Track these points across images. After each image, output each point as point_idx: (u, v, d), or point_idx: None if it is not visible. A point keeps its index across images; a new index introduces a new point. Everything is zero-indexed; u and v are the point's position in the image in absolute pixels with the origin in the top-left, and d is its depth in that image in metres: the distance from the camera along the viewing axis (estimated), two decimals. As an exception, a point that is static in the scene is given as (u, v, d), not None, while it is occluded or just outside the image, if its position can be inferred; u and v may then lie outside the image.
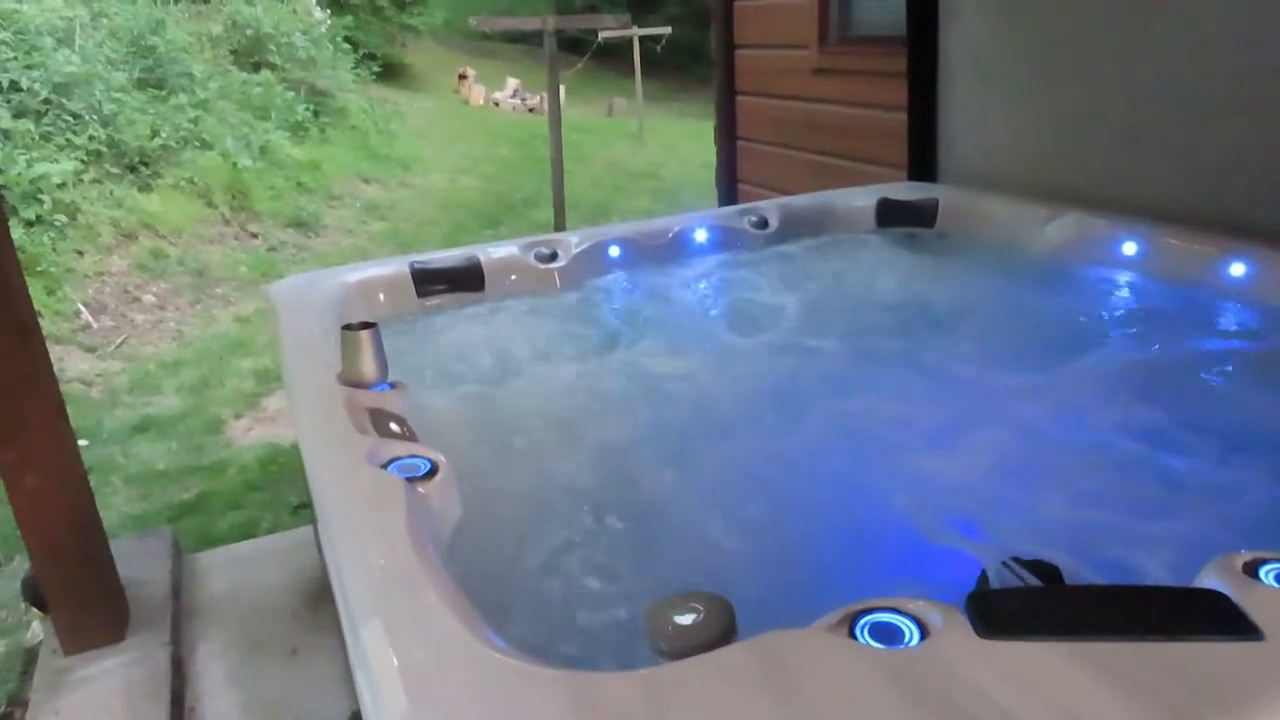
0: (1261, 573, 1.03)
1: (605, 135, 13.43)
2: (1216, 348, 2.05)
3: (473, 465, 1.70)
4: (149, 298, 5.48)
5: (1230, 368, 1.94)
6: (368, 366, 1.70)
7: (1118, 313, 2.35)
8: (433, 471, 1.42)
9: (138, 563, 2.58)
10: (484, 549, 1.42)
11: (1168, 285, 2.33)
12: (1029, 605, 0.98)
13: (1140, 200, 2.54)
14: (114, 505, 3.30)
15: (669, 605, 1.02)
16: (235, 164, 7.02)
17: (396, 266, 2.53)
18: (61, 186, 5.47)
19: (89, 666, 2.17)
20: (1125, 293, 2.40)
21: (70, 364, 4.59)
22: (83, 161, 5.82)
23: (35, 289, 4.45)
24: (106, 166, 6.06)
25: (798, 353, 2.12)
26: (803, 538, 1.39)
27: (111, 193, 5.93)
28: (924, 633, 0.96)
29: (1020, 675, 0.87)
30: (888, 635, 0.97)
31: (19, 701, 2.14)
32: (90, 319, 5.04)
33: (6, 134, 5.46)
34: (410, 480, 1.38)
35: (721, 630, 0.95)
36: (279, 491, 3.33)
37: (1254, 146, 2.26)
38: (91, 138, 5.95)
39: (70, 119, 5.92)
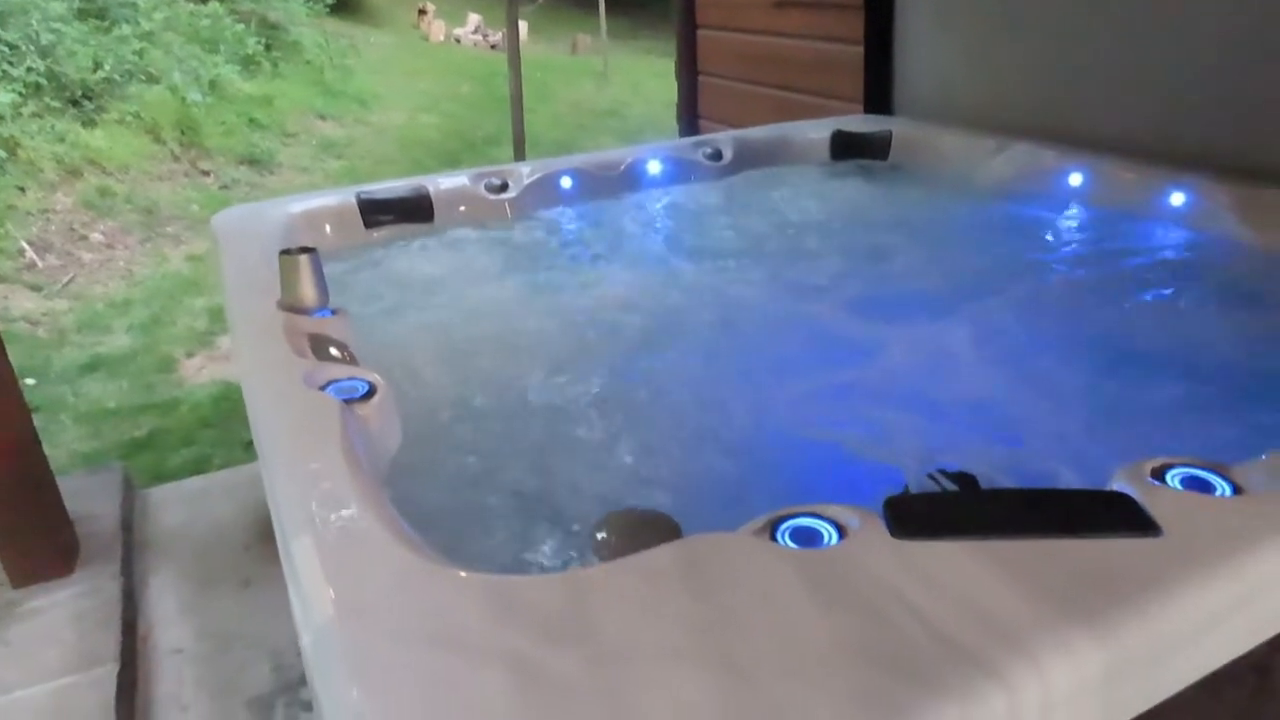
0: (1168, 476, 1.07)
1: (569, 73, 13.17)
2: (1144, 271, 2.09)
3: (419, 388, 1.71)
4: (97, 236, 5.35)
5: (1156, 289, 1.99)
6: (307, 291, 1.68)
7: (1056, 240, 2.38)
8: (370, 393, 1.42)
9: (88, 498, 2.57)
10: (428, 467, 1.43)
11: (1109, 213, 2.36)
12: (942, 508, 1.02)
13: (1090, 133, 2.56)
14: (64, 443, 3.27)
15: (617, 519, 1.04)
16: (184, 99, 6.81)
17: (343, 197, 2.49)
18: (-1, 119, 5.29)
19: (38, 598, 2.17)
20: (1068, 222, 2.43)
21: (15, 303, 4.49)
22: (20, 94, 5.61)
23: (-26, 225, 4.33)
24: (47, 100, 5.85)
25: (738, 277, 2.14)
26: (732, 450, 1.42)
27: (53, 127, 5.74)
28: (842, 535, 0.99)
29: (928, 572, 0.90)
30: (808, 538, 1.00)
31: (-34, 633, 2.14)
32: (35, 257, 4.91)
33: (-62, 64, 5.26)
34: (348, 402, 1.38)
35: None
36: (231, 428, 3.31)
37: (1203, 82, 2.28)
38: (30, 69, 5.73)
39: (6, 49, 5.69)
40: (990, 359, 1.67)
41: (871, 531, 0.97)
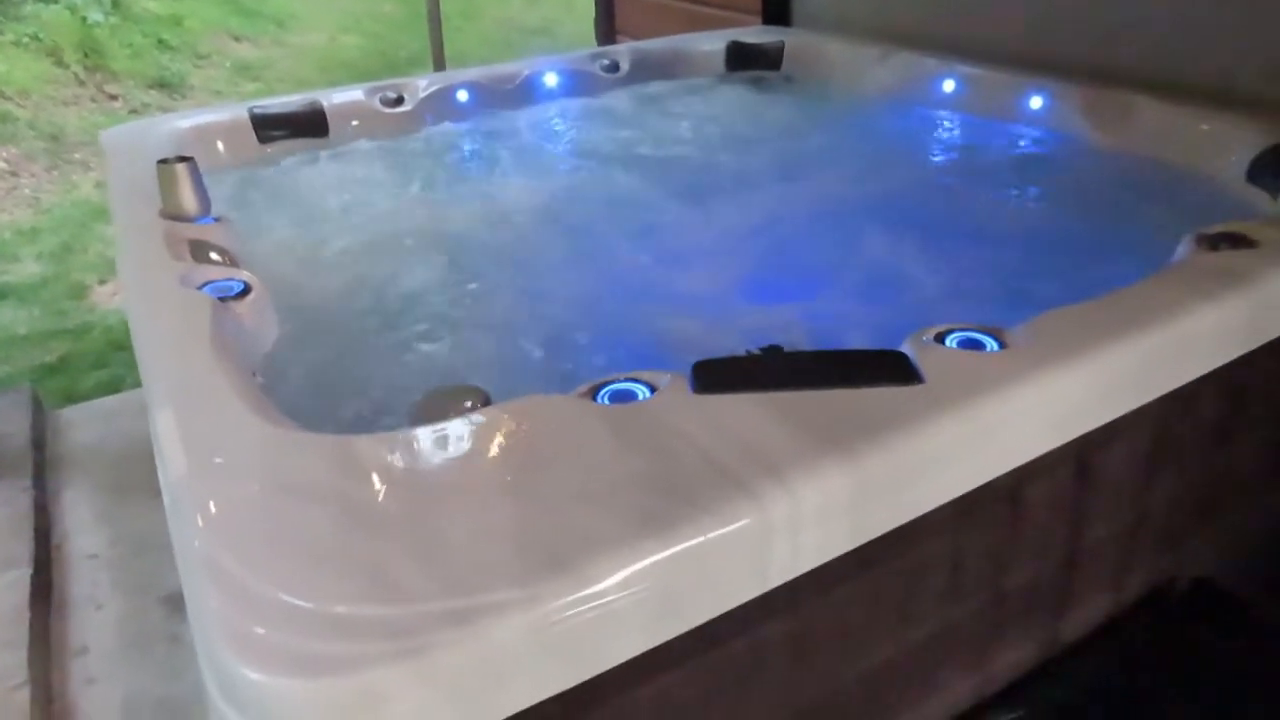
0: (947, 339, 1.21)
1: (498, -10, 12.79)
2: (993, 166, 2.25)
3: (303, 288, 1.79)
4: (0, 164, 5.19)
5: (995, 181, 2.15)
6: (186, 199, 1.73)
7: (923, 141, 2.52)
8: (245, 291, 1.50)
9: (-4, 418, 2.61)
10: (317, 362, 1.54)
11: (976, 117, 2.50)
12: (739, 368, 1.15)
13: (969, 41, 2.67)
14: (-26, 370, 3.27)
15: (431, 393, 1.15)
16: (84, 18, 6.52)
17: (235, 112, 2.50)
18: (-117, 42, 5.04)
19: (-53, 512, 2.23)
20: (938, 124, 2.56)
21: (-85, 233, 4.38)
22: (-96, 14, 5.34)
23: None
24: (-65, 20, 5.58)
25: (616, 180, 2.25)
26: (589, 328, 1.56)
27: (-57, 49, 5.49)
28: (654, 394, 1.12)
29: (716, 419, 1.03)
30: (624, 398, 1.13)
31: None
32: (-66, 186, 4.77)
33: None
34: (223, 300, 1.46)
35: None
36: (145, 350, 3.33)
37: None
38: (-87, -13, 5.45)
39: (-116, -33, 5.39)
40: (830, 241, 1.82)
41: (677, 389, 1.10)
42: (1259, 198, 1.83)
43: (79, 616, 2.05)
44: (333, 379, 1.46)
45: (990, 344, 1.20)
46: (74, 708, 1.84)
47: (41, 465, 2.50)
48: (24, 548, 2.11)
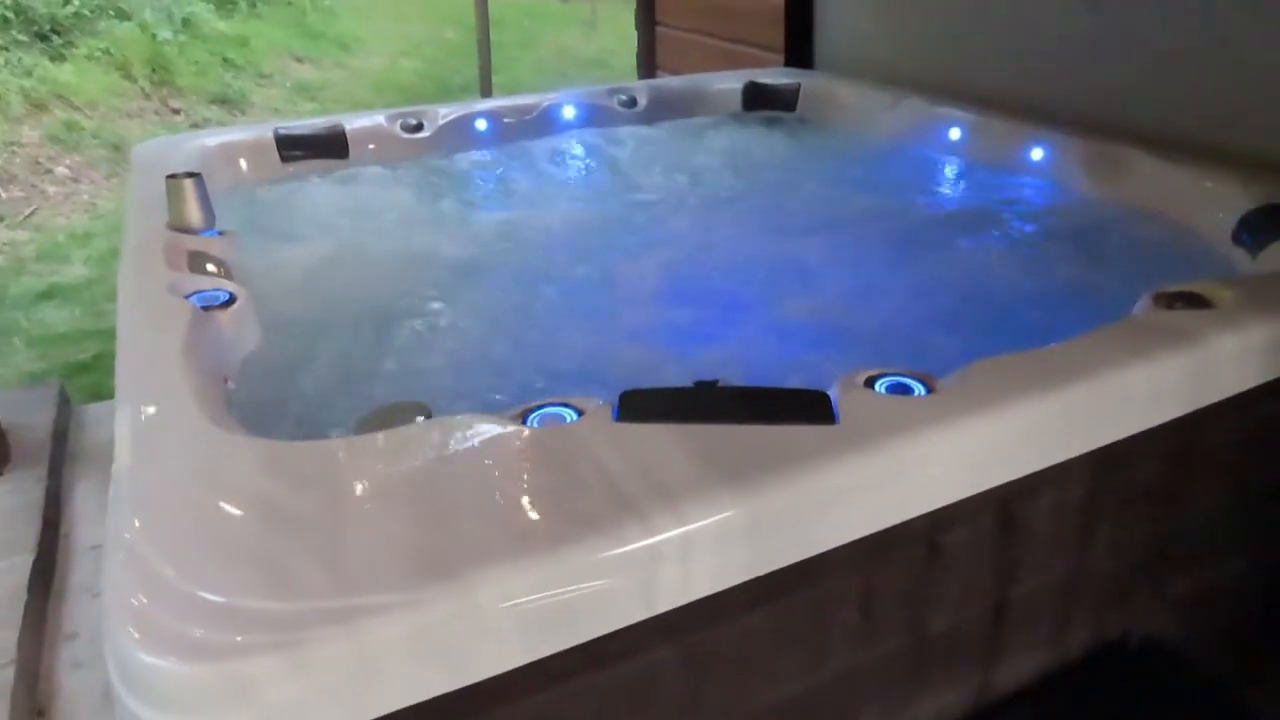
0: (877, 384, 1.24)
1: (558, 21, 13.07)
2: (989, 213, 2.27)
3: (305, 304, 1.89)
4: (62, 170, 5.46)
5: (989, 229, 2.17)
6: (191, 212, 1.84)
7: (926, 186, 2.54)
8: (230, 301, 1.59)
9: (23, 410, 2.74)
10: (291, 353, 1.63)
11: (980, 164, 2.52)
12: (663, 399, 1.19)
13: (975, 89, 2.69)
14: (14, 364, 3.44)
15: (379, 408, 1.21)
16: (154, 35, 6.86)
17: (259, 132, 2.63)
18: (-35, 53, 5.37)
19: (-36, 497, 2.36)
20: (943, 170, 2.58)
21: (-24, 232, 4.63)
22: (-12, 28, 5.69)
23: (-64, 155, 4.44)
24: (15, 34, 5.92)
25: (625, 212, 2.33)
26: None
27: (20, 61, 5.81)
28: (579, 418, 1.17)
29: (630, 447, 1.07)
30: (553, 421, 1.18)
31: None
32: (-1, 188, 5.04)
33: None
34: (206, 308, 1.55)
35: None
36: (173, 354, 3.48)
37: (1083, 45, 2.40)
38: (-2, 2, 5.80)
39: (-28, -17, 5.76)
40: (818, 281, 1.87)
41: (602, 416, 1.15)
42: (1241, 258, 1.82)
43: (74, 603, 2.15)
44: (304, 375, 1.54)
45: (918, 389, 1.23)
46: (59, 689, 1.92)
47: (60, 457, 2.63)
48: (31, 534, 2.22)
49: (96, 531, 2.37)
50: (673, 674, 1.06)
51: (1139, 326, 1.37)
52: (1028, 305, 1.76)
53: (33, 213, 4.95)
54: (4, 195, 5.01)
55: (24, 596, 2.03)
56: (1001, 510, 1.23)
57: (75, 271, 4.36)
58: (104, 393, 3.25)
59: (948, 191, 2.52)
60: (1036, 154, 2.41)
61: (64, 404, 2.85)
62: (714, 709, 1.13)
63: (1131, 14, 2.26)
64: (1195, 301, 1.44)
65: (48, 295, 4.08)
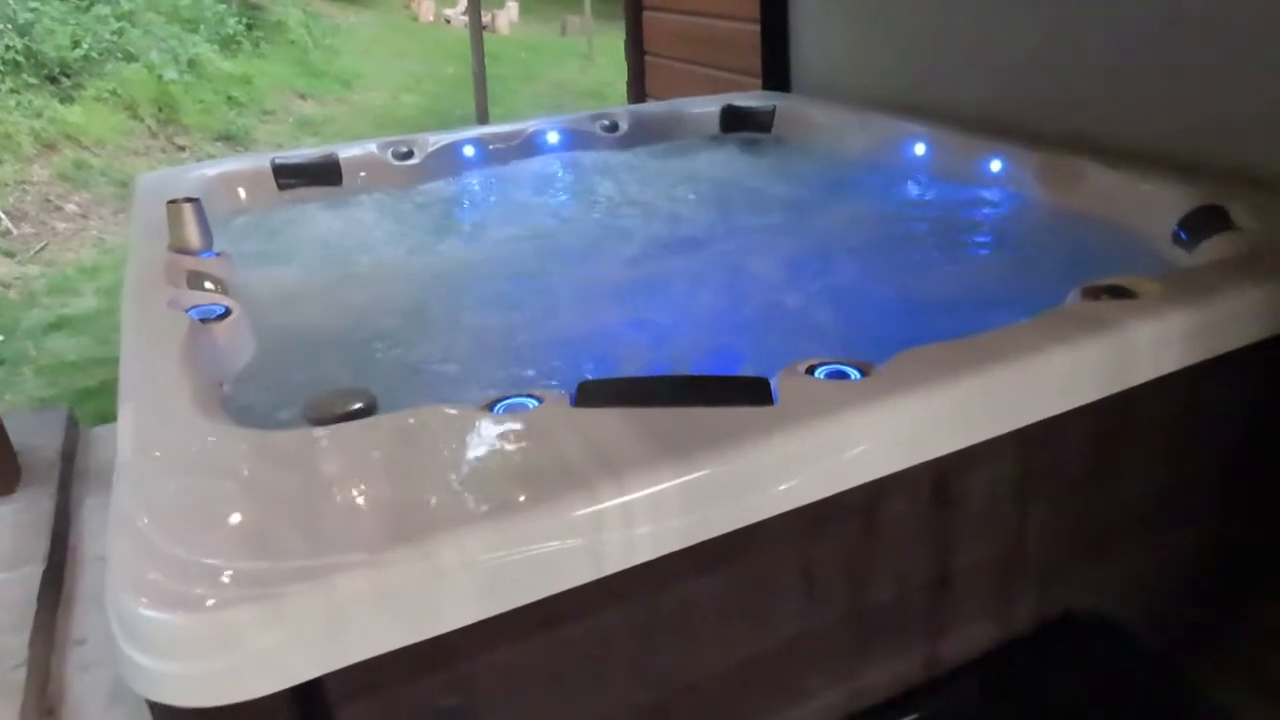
0: (816, 372, 1.34)
1: (555, 54, 13.35)
2: (950, 223, 2.39)
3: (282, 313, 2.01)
4: (71, 207, 5.64)
5: (949, 238, 2.29)
6: (190, 234, 1.96)
7: (890, 200, 2.66)
8: (225, 315, 1.71)
9: (33, 432, 2.86)
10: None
11: (941, 178, 2.63)
12: (618, 387, 1.29)
13: (944, 108, 2.82)
14: (24, 390, 3.56)
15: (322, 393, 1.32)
16: (160, 76, 7.07)
17: (257, 162, 2.77)
18: (-23, 96, 5.57)
19: (-21, 513, 2.47)
20: (907, 185, 2.70)
21: (-11, 267, 4.79)
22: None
23: (-49, 195, 4.61)
24: (25, 77, 6.13)
25: (607, 229, 2.47)
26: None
27: (31, 102, 6.01)
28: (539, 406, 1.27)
29: (582, 429, 1.17)
30: (516, 409, 1.28)
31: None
32: (10, 225, 5.20)
33: (-81, 42, 5.53)
34: (203, 321, 1.67)
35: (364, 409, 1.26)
36: (178, 378, 3.60)
37: (1048, 65, 2.53)
38: (8, 47, 6.00)
39: (-15, 28, 5.97)
40: (782, 285, 1.98)
41: (559, 403, 1.26)
42: (1180, 256, 1.93)
43: (82, 610, 2.25)
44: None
45: (854, 375, 1.33)
46: (67, 690, 2.02)
47: (69, 476, 2.74)
48: (41, 547, 2.33)
49: (103, 544, 2.46)
50: (623, 637, 1.16)
51: (1064, 316, 1.47)
52: (977, 305, 1.86)
53: (43, 248, 5.12)
54: (16, 232, 5.18)
55: (35, 604, 2.14)
56: (936, 485, 1.33)
57: (84, 303, 4.50)
58: (110, 416, 3.37)
59: (912, 200, 2.64)
60: (995, 165, 2.52)
61: (72, 427, 2.97)
62: (664, 672, 1.22)
63: (1083, 37, 2.39)
64: (1120, 293, 1.54)
65: (57, 326, 4.22)
